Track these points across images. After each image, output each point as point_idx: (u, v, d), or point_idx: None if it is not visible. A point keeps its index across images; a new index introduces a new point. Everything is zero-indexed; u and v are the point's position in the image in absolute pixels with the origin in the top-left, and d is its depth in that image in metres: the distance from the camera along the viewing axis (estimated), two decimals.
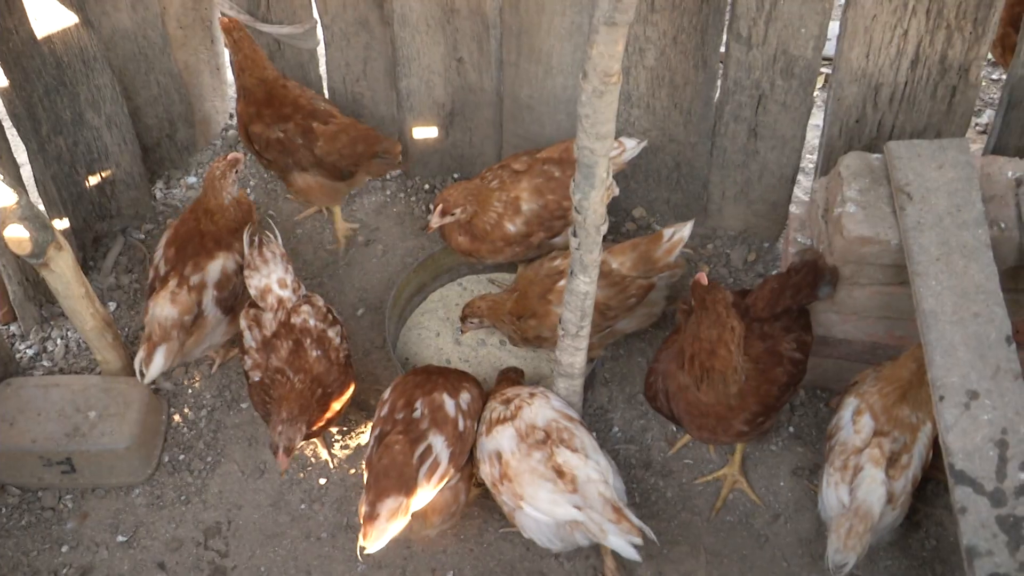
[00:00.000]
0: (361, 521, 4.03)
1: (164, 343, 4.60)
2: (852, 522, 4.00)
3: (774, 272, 5.25)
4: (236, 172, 4.89)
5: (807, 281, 4.40)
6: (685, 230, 4.70)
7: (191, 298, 4.72)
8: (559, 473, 4.12)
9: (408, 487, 4.06)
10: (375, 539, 3.98)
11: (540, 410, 4.32)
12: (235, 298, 4.91)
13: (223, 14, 5.45)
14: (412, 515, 4.12)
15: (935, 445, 4.05)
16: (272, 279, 4.62)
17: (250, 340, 4.57)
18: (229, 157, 4.88)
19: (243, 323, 4.64)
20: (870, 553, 4.17)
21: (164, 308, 4.63)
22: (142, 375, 4.59)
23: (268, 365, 4.46)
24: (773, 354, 4.28)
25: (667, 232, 4.71)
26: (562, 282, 4.63)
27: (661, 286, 4.79)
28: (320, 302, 4.70)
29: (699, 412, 4.24)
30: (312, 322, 4.57)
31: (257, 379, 4.50)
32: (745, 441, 4.54)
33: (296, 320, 4.56)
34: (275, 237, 4.81)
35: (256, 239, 4.73)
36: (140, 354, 4.60)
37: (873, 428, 4.16)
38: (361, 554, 4.14)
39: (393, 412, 4.32)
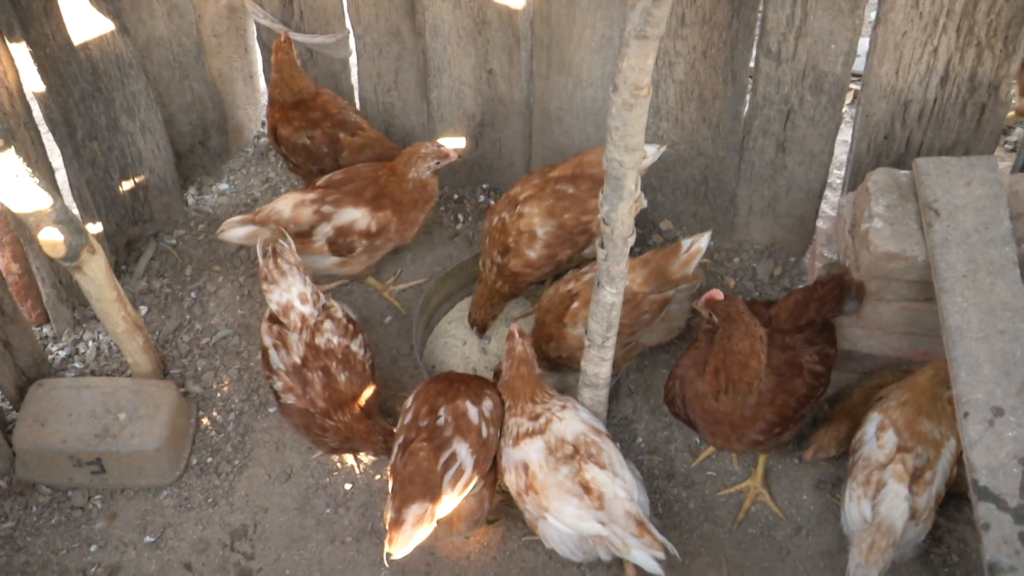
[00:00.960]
0: (387, 527, 4.03)
1: (259, 224, 5.02)
2: (874, 537, 3.99)
3: (799, 286, 5.23)
4: (437, 164, 5.04)
5: (832, 295, 4.39)
6: (703, 241, 4.66)
7: (306, 212, 5.05)
8: (586, 489, 4.13)
9: (433, 494, 4.06)
10: (401, 545, 3.99)
11: (569, 423, 4.31)
12: (348, 251, 5.11)
13: (258, 23, 5.49)
14: (437, 522, 4.13)
15: (959, 461, 4.03)
16: (293, 294, 4.59)
17: (278, 362, 4.56)
18: (444, 150, 5.03)
19: (268, 340, 4.62)
20: (892, 568, 4.15)
21: (286, 204, 5.08)
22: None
23: (306, 396, 4.48)
24: (793, 365, 4.27)
25: (685, 243, 4.67)
26: (575, 304, 4.66)
27: (681, 299, 4.76)
28: (339, 313, 4.69)
29: (714, 419, 4.25)
30: (336, 340, 4.57)
31: (291, 402, 4.51)
32: (761, 451, 4.52)
33: (320, 341, 4.55)
34: (289, 245, 4.75)
35: (270, 249, 4.71)
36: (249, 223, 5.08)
37: (897, 444, 4.14)
38: (387, 560, 4.14)
39: (417, 419, 4.32)
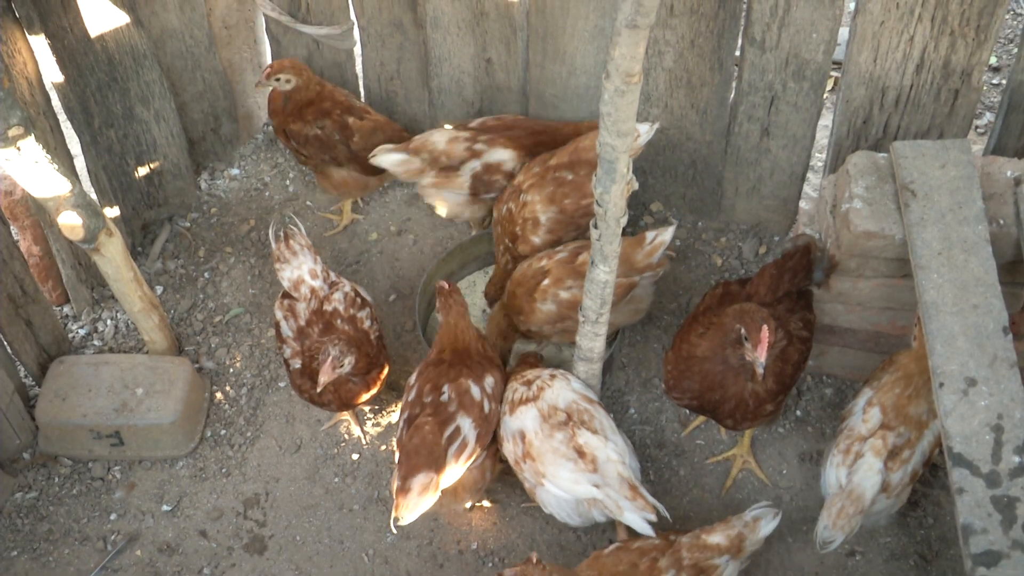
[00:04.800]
0: (393, 495, 4.06)
1: (411, 153, 5.10)
2: (844, 503, 4.02)
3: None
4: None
5: (802, 265, 4.43)
6: (666, 234, 4.64)
7: (459, 147, 5.12)
8: (580, 453, 4.14)
9: (438, 464, 4.09)
10: (407, 511, 4.02)
11: (561, 392, 4.33)
12: (486, 189, 5.21)
13: (266, 15, 5.49)
14: (442, 491, 4.16)
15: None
16: (304, 270, 4.67)
17: (287, 330, 4.60)
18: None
19: (279, 314, 4.67)
20: (870, 531, 4.18)
21: (441, 136, 5.13)
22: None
23: (304, 348, 4.49)
24: (783, 335, 4.28)
25: (649, 235, 4.65)
26: (546, 281, 4.67)
27: (646, 285, 4.76)
28: (348, 287, 4.72)
29: (744, 406, 4.24)
30: (342, 308, 4.61)
31: (298, 366, 4.53)
32: (769, 421, 4.52)
33: (327, 308, 4.59)
34: (299, 229, 4.83)
35: (282, 232, 4.76)
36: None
37: (880, 421, 4.16)
38: (394, 525, 4.17)
39: (421, 396, 4.33)
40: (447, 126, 5.24)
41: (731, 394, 4.18)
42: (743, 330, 3.94)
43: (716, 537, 4.01)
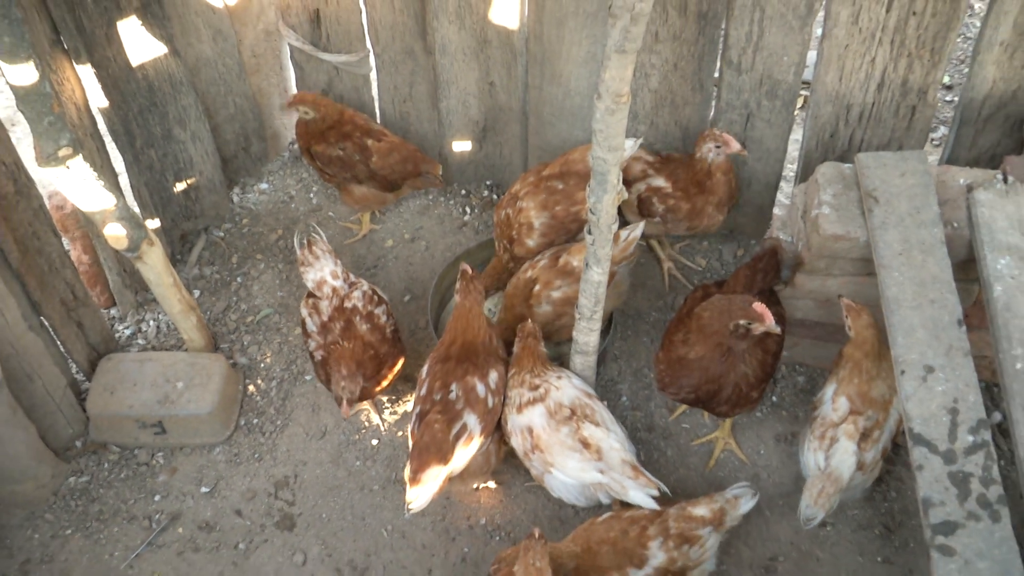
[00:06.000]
0: (406, 480, 4.09)
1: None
2: (824, 484, 4.04)
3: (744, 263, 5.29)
4: (717, 147, 4.77)
5: (772, 265, 4.49)
6: (637, 231, 4.64)
7: (637, 167, 5.02)
8: (585, 444, 4.17)
9: (446, 459, 4.13)
10: (418, 499, 4.08)
11: (566, 391, 4.35)
12: (649, 213, 5.05)
13: (291, 45, 5.51)
14: (451, 478, 4.20)
15: None
16: (326, 272, 4.71)
17: (312, 325, 4.63)
18: (725, 138, 4.77)
19: (304, 311, 4.70)
20: (840, 504, 4.20)
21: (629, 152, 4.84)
22: None
23: (326, 343, 4.52)
24: None
25: (623, 233, 4.62)
26: (537, 287, 4.70)
27: (623, 272, 4.76)
28: (366, 287, 4.74)
29: (732, 391, 4.25)
30: (361, 304, 4.64)
31: (320, 358, 4.56)
32: (753, 408, 4.53)
33: (348, 304, 4.62)
34: (321, 237, 4.88)
35: (305, 240, 4.81)
36: None
37: (849, 408, 4.18)
38: (407, 511, 4.18)
39: (431, 392, 4.34)
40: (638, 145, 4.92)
41: (728, 382, 4.19)
42: (741, 320, 3.96)
43: (701, 510, 4.04)
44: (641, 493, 4.06)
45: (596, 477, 4.12)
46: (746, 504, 4.11)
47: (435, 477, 4.09)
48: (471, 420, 4.26)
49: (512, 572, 3.65)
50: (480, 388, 4.36)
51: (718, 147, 4.76)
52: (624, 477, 4.09)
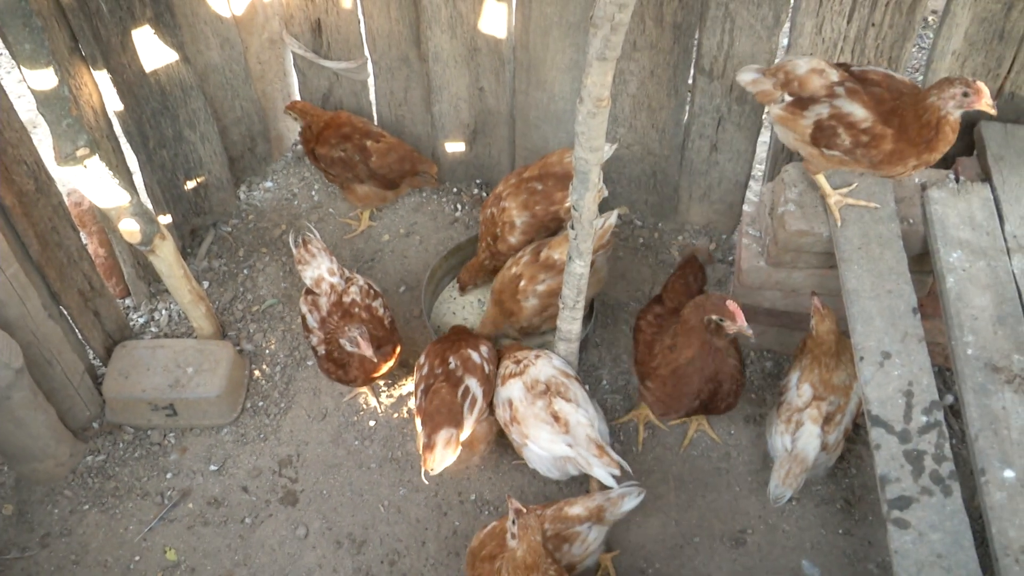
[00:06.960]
0: (421, 452, 4.10)
1: (768, 75, 4.10)
2: (791, 465, 4.07)
3: (719, 260, 5.30)
4: (965, 97, 3.58)
5: (696, 268, 4.61)
6: (612, 219, 4.64)
7: (818, 82, 3.93)
8: (555, 418, 4.17)
9: (457, 420, 4.15)
10: (435, 463, 4.08)
11: (543, 368, 4.36)
12: (825, 143, 3.88)
13: (294, 53, 5.49)
14: (461, 445, 4.19)
15: None
16: (323, 269, 4.67)
17: (312, 322, 4.61)
18: (977, 86, 3.57)
19: (304, 308, 4.67)
20: (805, 482, 4.21)
21: (805, 63, 3.97)
22: None
23: (327, 335, 4.51)
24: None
25: (597, 223, 4.54)
26: (522, 283, 4.68)
27: (601, 259, 4.74)
28: (361, 282, 4.72)
29: (730, 383, 4.22)
30: (359, 298, 4.62)
31: (323, 352, 4.55)
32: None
33: (345, 300, 4.60)
34: (315, 235, 4.85)
35: (301, 238, 4.78)
36: None
37: (812, 394, 4.20)
38: (425, 477, 4.18)
39: (433, 369, 4.38)
40: (814, 59, 4.03)
41: (725, 376, 4.16)
42: (715, 316, 3.89)
43: (576, 509, 3.97)
44: (604, 471, 4.03)
45: (564, 450, 4.11)
46: (631, 502, 4.01)
47: (448, 439, 4.09)
48: (472, 383, 4.30)
49: (512, 557, 3.48)
50: (475, 356, 4.42)
51: (966, 96, 3.59)
52: (589, 454, 4.07)
